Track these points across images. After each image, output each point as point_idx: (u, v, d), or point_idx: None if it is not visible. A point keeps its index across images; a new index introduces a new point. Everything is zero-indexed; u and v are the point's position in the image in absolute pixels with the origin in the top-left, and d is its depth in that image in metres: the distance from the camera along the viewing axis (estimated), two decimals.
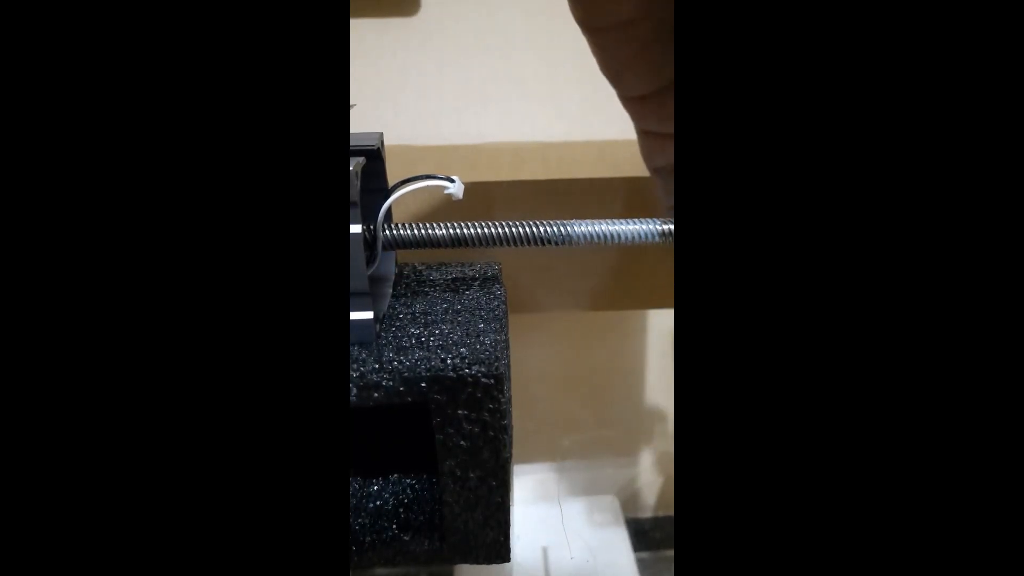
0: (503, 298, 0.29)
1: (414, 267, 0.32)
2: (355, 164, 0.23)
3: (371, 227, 0.26)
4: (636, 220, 0.27)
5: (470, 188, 0.42)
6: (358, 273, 0.24)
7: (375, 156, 0.27)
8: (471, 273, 0.31)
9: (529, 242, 0.27)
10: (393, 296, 0.29)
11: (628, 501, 0.45)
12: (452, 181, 0.26)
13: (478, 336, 0.26)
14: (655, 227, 0.27)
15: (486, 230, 0.27)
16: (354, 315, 0.24)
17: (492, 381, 0.23)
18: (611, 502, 0.44)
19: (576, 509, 0.43)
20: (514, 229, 0.27)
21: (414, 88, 0.53)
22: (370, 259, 0.26)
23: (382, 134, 0.28)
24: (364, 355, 0.24)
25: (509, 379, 0.28)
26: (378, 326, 0.26)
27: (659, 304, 0.48)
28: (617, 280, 0.47)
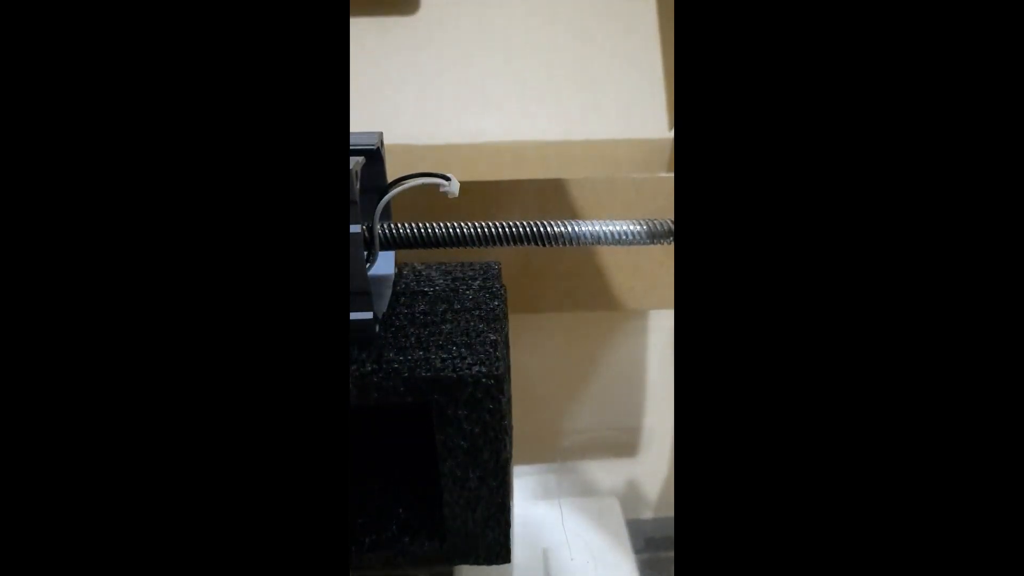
0: (503, 298, 0.29)
1: (414, 267, 0.32)
2: (355, 164, 0.23)
3: (368, 226, 0.26)
4: (636, 220, 0.27)
5: (470, 188, 0.42)
6: (358, 272, 0.24)
7: (375, 156, 0.27)
8: (471, 273, 0.31)
9: (529, 242, 0.27)
10: (393, 296, 0.29)
11: (628, 501, 0.45)
12: (448, 179, 0.26)
13: (478, 336, 0.25)
14: (655, 227, 0.27)
15: (486, 230, 0.27)
16: (354, 315, 0.24)
17: (492, 381, 0.23)
18: (611, 502, 0.44)
19: (576, 509, 0.43)
20: (514, 229, 0.27)
21: (414, 88, 0.53)
22: (368, 258, 0.26)
23: (382, 134, 0.28)
24: (364, 355, 0.24)
25: (509, 379, 0.28)
26: (378, 326, 0.26)
27: (659, 304, 0.48)
28: (617, 280, 0.47)
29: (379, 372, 0.23)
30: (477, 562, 0.28)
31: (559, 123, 0.55)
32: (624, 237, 0.27)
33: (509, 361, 0.28)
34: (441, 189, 0.26)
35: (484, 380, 0.23)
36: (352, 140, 0.26)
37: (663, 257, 0.46)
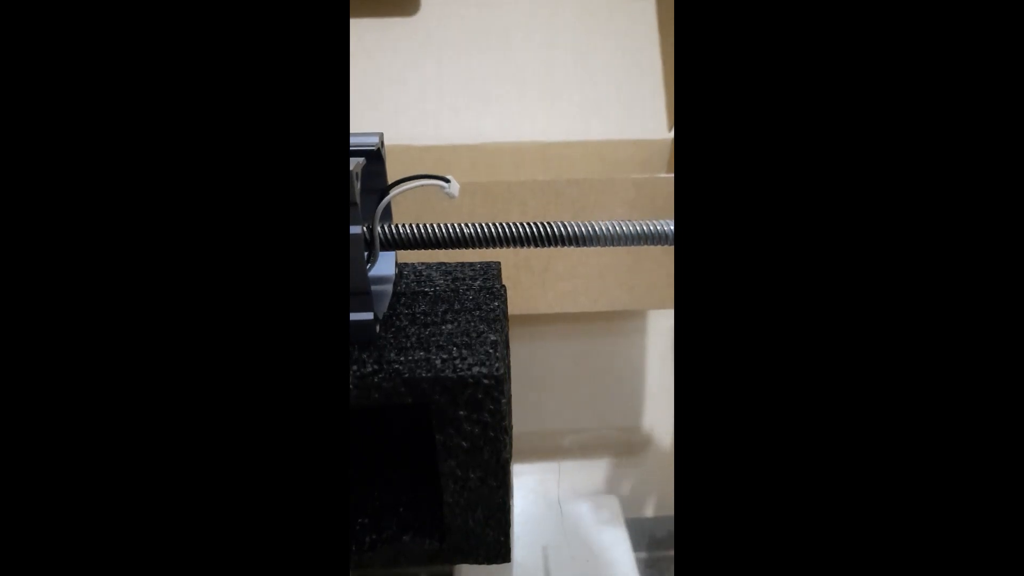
0: (503, 298, 0.29)
1: (414, 267, 0.32)
2: (355, 165, 0.23)
3: (368, 227, 0.26)
4: (637, 221, 0.27)
5: (470, 188, 0.42)
6: (359, 273, 0.24)
7: (375, 156, 0.27)
8: (471, 273, 0.31)
9: (529, 242, 0.27)
10: (393, 296, 0.29)
11: (628, 501, 0.45)
12: (447, 181, 0.26)
13: (478, 336, 0.26)
14: (656, 228, 0.27)
15: (486, 230, 0.27)
16: (354, 315, 0.24)
17: (492, 382, 0.23)
18: (611, 502, 0.44)
19: (576, 509, 0.43)
20: (514, 229, 0.27)
21: (414, 88, 0.53)
22: (368, 259, 0.26)
23: (382, 134, 0.28)
24: (365, 356, 0.24)
25: (509, 379, 0.28)
26: (378, 326, 0.26)
27: (659, 304, 0.48)
28: (617, 280, 0.47)
29: (380, 372, 0.24)
30: (477, 561, 0.28)
31: (559, 123, 0.55)
32: (624, 237, 0.27)
33: (509, 361, 0.28)
34: (442, 190, 0.26)
35: (484, 380, 0.23)
36: (352, 141, 0.26)
37: (663, 257, 0.46)
